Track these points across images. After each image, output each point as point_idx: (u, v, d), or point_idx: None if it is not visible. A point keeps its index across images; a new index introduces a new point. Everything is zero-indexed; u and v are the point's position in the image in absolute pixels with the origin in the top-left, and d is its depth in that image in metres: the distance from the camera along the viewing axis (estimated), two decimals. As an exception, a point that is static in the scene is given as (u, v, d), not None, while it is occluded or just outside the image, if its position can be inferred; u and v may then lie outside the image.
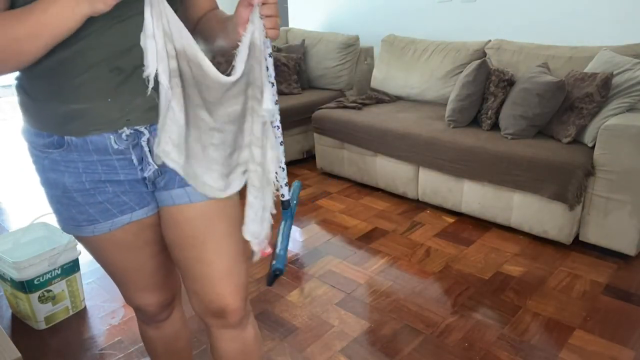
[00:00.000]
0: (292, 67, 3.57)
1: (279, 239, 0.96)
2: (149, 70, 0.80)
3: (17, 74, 0.88)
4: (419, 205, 2.80)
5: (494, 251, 2.29)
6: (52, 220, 1.95)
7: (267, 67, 0.85)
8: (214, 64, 0.83)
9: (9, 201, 3.17)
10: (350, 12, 3.90)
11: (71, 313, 1.97)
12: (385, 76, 3.36)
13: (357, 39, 3.59)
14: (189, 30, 0.82)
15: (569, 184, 2.09)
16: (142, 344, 1.70)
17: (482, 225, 2.53)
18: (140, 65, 0.81)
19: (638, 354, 1.62)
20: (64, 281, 1.91)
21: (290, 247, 2.38)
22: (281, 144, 0.94)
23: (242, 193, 0.99)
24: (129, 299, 1.14)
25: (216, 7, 1.06)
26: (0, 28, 0.73)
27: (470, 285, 2.03)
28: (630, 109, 2.19)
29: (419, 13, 3.45)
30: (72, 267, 1.93)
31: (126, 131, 0.89)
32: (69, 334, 1.87)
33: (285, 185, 0.99)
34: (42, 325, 1.89)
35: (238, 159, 0.94)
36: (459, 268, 2.16)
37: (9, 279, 1.84)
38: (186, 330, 1.31)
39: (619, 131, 2.02)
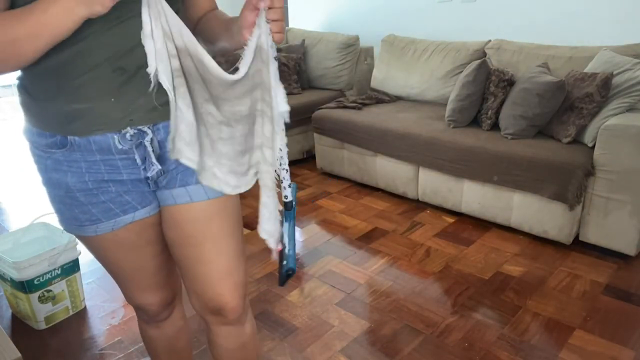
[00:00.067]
0: (292, 67, 3.57)
1: (285, 239, 0.98)
2: (150, 69, 0.80)
3: (18, 73, 0.89)
4: (419, 205, 2.80)
5: (494, 251, 2.29)
6: (52, 220, 1.95)
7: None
8: None
9: (9, 201, 3.17)
10: (350, 12, 3.90)
11: (71, 313, 1.97)
12: (385, 76, 3.36)
13: (357, 39, 3.59)
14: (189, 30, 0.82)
15: (569, 184, 2.09)
16: (142, 344, 1.70)
17: (482, 225, 2.53)
18: (143, 65, 0.81)
19: (638, 354, 1.62)
20: (64, 281, 1.91)
21: (290, 247, 2.38)
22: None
23: (241, 193, 0.99)
24: (130, 299, 1.14)
25: (216, 8, 1.06)
26: (1, 28, 0.73)
27: (470, 285, 2.03)
28: (630, 109, 2.19)
29: (419, 13, 3.45)
30: (72, 267, 1.93)
31: (130, 131, 0.89)
32: (69, 334, 1.87)
33: (289, 186, 0.99)
34: (42, 325, 1.89)
35: (250, 160, 0.94)
36: (459, 268, 2.16)
37: (9, 279, 1.84)
38: (186, 330, 1.31)
39: (619, 131, 2.02)
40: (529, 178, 2.22)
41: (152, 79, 0.81)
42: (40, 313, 1.87)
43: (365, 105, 3.19)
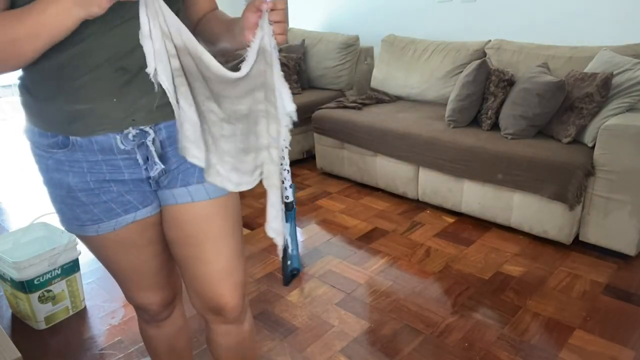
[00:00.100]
0: (292, 67, 3.57)
1: (288, 239, 0.98)
2: (149, 69, 0.81)
3: (20, 74, 0.89)
4: (419, 205, 2.80)
5: (494, 251, 2.29)
6: (52, 220, 1.95)
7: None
8: None
9: (9, 201, 3.17)
10: (350, 12, 3.90)
11: (71, 313, 1.97)
12: (385, 76, 3.36)
13: (357, 39, 3.59)
14: (189, 30, 0.82)
15: (569, 184, 2.09)
16: (142, 343, 1.70)
17: (482, 225, 2.53)
18: (144, 65, 0.82)
19: (638, 354, 1.62)
20: (64, 281, 1.91)
21: (290, 247, 2.38)
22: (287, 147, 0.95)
23: (241, 193, 0.99)
24: (130, 298, 1.14)
25: (216, 8, 1.06)
26: (0, 28, 0.73)
27: (470, 285, 2.03)
28: (630, 109, 2.19)
29: (419, 13, 3.45)
30: (72, 267, 1.93)
31: (132, 131, 0.90)
32: (69, 334, 1.87)
33: (290, 187, 1.00)
34: (42, 325, 1.89)
35: (256, 160, 0.95)
36: (459, 268, 2.16)
37: (9, 279, 1.84)
38: (186, 330, 1.31)
39: (619, 131, 2.02)
40: (529, 178, 2.22)
41: (151, 80, 0.81)
42: (40, 313, 1.87)
43: (365, 105, 3.19)
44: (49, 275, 1.86)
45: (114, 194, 0.95)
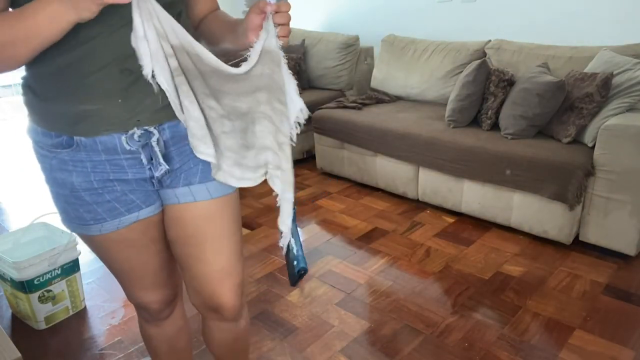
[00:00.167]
0: (292, 67, 3.57)
1: (292, 240, 0.99)
2: (146, 70, 0.81)
3: (23, 73, 0.90)
4: (419, 205, 2.80)
5: (494, 251, 2.29)
6: (52, 220, 1.95)
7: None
8: None
9: (9, 201, 3.17)
10: (350, 12, 3.90)
11: (71, 313, 1.97)
12: (385, 76, 3.36)
13: (357, 39, 3.59)
14: (189, 30, 0.83)
15: (569, 184, 2.09)
16: (142, 343, 1.70)
17: (482, 225, 2.53)
18: None
19: (638, 354, 1.62)
20: (64, 281, 1.91)
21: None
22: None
23: (241, 193, 1.00)
24: (131, 297, 1.14)
25: (217, 8, 1.07)
26: None
27: (470, 285, 2.03)
28: (630, 109, 2.19)
29: (419, 13, 3.45)
30: (72, 267, 1.93)
31: (137, 132, 0.90)
32: (69, 334, 1.87)
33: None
34: (42, 325, 1.89)
35: (257, 158, 0.95)
36: (459, 268, 2.16)
37: (9, 279, 1.84)
38: (187, 330, 1.31)
39: (619, 131, 2.02)
40: (529, 178, 2.22)
41: (150, 81, 0.81)
42: (40, 313, 1.87)
43: (365, 105, 3.19)
44: (49, 275, 1.86)
45: (117, 193, 0.95)
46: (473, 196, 2.49)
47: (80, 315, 1.97)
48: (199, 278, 1.06)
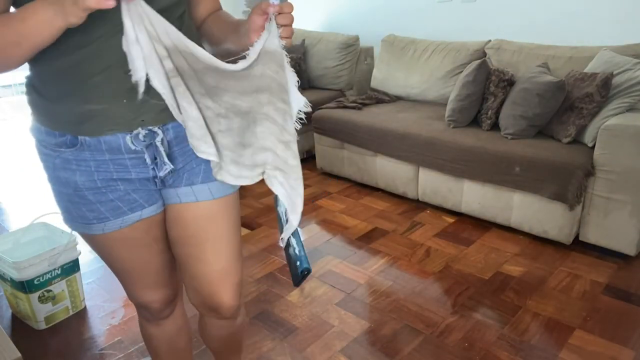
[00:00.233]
0: (292, 67, 3.53)
1: (293, 240, 1.00)
2: (138, 75, 0.81)
3: (27, 73, 0.90)
4: (419, 205, 2.80)
5: (494, 251, 2.29)
6: (52, 220, 1.95)
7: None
8: None
9: (9, 201, 3.17)
10: (350, 12, 3.90)
11: (71, 313, 1.97)
12: (385, 76, 3.36)
13: (357, 39, 3.59)
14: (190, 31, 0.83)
15: (569, 184, 2.09)
16: (142, 343, 1.70)
17: (482, 225, 2.53)
18: None
19: (638, 354, 1.62)
20: (64, 281, 1.91)
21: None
22: None
23: (241, 193, 1.00)
24: (132, 296, 1.15)
25: (220, 8, 1.07)
26: None
27: (470, 285, 2.03)
28: (630, 109, 2.19)
29: (419, 13, 3.45)
30: (72, 267, 1.93)
31: (142, 132, 0.91)
32: (69, 334, 1.87)
33: None
34: (42, 325, 1.89)
35: (255, 157, 0.95)
36: (459, 268, 2.16)
37: (9, 279, 1.84)
38: (187, 329, 1.32)
39: (618, 131, 2.02)
40: (529, 178, 2.22)
41: (140, 84, 0.81)
42: (40, 313, 1.87)
43: (365, 105, 3.19)
44: (49, 275, 1.86)
45: (120, 192, 0.96)
46: (473, 196, 2.49)
47: (80, 315, 1.97)
48: (199, 278, 1.06)
